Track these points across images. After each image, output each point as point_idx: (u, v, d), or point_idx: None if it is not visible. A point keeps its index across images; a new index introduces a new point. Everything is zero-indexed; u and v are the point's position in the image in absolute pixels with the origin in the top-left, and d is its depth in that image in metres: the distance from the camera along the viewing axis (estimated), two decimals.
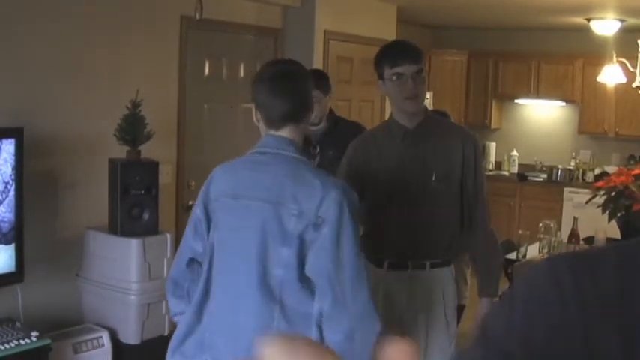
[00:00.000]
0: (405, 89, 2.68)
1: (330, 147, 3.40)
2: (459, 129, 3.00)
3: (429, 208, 2.76)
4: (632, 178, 4.73)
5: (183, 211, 4.79)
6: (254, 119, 2.18)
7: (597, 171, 7.73)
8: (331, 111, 3.85)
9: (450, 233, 2.82)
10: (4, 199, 3.45)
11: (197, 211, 2.13)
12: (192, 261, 2.18)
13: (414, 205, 2.75)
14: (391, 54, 2.74)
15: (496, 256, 2.98)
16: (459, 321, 3.02)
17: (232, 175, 2.12)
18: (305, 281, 2.00)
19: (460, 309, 3.01)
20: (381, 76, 2.76)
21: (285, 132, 2.11)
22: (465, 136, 2.87)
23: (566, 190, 7.69)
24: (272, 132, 2.12)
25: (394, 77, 2.68)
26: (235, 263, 2.05)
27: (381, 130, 2.98)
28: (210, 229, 2.11)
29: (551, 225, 4.90)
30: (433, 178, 2.73)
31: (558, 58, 7.88)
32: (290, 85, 2.12)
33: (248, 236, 2.01)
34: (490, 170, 8.14)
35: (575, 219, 4.99)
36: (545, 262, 0.71)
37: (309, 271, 1.98)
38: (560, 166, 7.98)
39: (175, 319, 2.25)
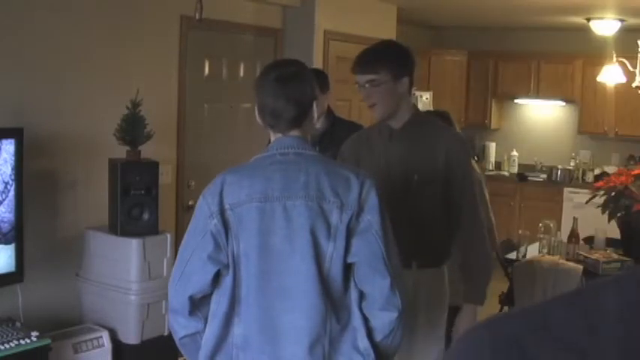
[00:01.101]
0: (363, 97, 2.75)
1: (329, 147, 3.40)
2: (443, 129, 2.96)
3: (413, 208, 2.75)
4: (632, 178, 4.73)
5: (183, 211, 4.80)
6: (258, 120, 2.15)
7: (597, 171, 7.74)
8: (330, 111, 3.85)
9: (436, 234, 2.80)
10: (4, 199, 3.45)
11: (211, 224, 2.01)
12: (216, 275, 2.07)
13: (398, 204, 2.71)
14: (354, 61, 2.77)
15: (480, 259, 2.82)
16: (452, 324, 2.89)
17: (255, 179, 2.03)
18: (344, 274, 2.04)
19: (454, 311, 2.93)
20: None
21: (295, 133, 2.10)
22: (450, 136, 2.86)
23: (566, 190, 7.69)
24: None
25: (356, 84, 2.75)
26: (288, 265, 2.00)
27: (374, 128, 3.00)
28: (228, 239, 2.01)
29: (551, 225, 4.90)
30: (415, 178, 2.74)
31: (558, 58, 7.88)
32: (293, 90, 2.07)
33: (299, 236, 1.99)
34: (490, 170, 8.14)
35: (575, 219, 4.99)
36: (480, 333, 0.52)
37: (357, 256, 2.02)
38: (560, 166, 7.98)
39: (184, 340, 2.12)
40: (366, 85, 2.71)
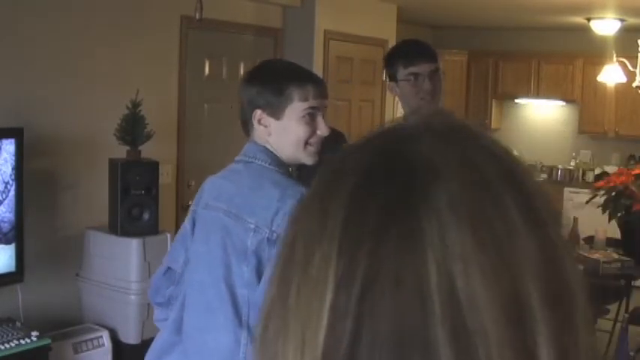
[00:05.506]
0: (422, 90, 2.53)
1: None
2: None
3: None
4: (633, 178, 4.73)
5: (183, 211, 4.79)
6: None
7: (597, 171, 7.74)
8: None
9: None
10: (4, 199, 3.45)
11: (185, 223, 1.99)
12: (170, 269, 2.04)
13: None
14: (406, 53, 2.60)
15: None
16: None
17: (211, 184, 1.97)
18: None
19: None
20: (393, 78, 2.59)
21: (251, 139, 1.98)
22: None
23: (567, 190, 7.69)
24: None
25: (410, 77, 2.53)
26: (205, 278, 1.86)
27: None
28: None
29: None
30: None
31: (558, 57, 7.88)
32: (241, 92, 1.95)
33: (213, 250, 1.85)
34: None
35: (575, 219, 4.98)
36: None
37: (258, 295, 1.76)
38: (560, 166, 7.98)
39: (158, 325, 2.10)
40: (430, 75, 2.52)
